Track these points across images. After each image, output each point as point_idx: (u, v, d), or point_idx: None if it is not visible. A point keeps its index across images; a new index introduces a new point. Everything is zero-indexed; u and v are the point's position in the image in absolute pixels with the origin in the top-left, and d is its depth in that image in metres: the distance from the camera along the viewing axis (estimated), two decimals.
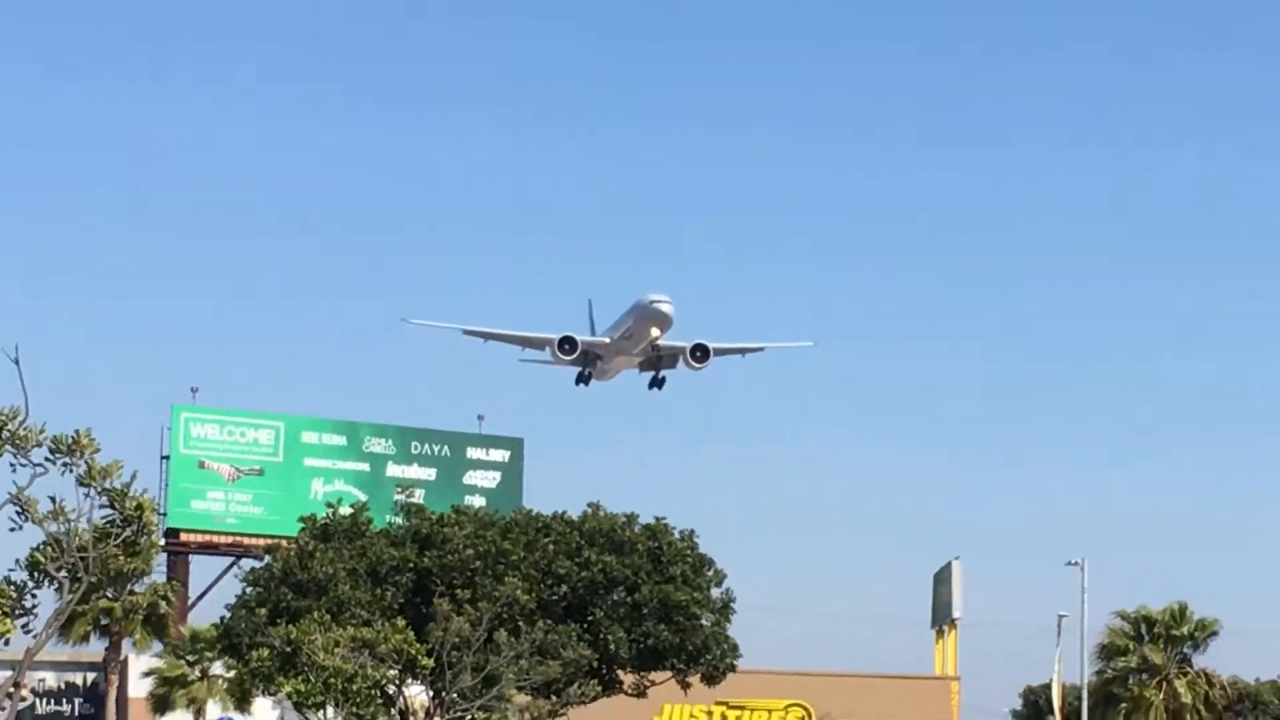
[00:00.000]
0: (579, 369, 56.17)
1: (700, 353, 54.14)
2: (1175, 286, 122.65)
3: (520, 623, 30.25)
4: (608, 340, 54.30)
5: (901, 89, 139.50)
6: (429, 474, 61.06)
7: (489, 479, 63.32)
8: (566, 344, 53.20)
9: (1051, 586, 64.81)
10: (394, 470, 60.36)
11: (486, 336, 55.82)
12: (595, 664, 32.93)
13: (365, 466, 61.43)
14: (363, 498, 41.28)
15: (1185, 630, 41.43)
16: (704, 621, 34.84)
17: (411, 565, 32.28)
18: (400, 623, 28.66)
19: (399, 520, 35.40)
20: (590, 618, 33.53)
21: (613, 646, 33.09)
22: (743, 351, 57.25)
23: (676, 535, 36.23)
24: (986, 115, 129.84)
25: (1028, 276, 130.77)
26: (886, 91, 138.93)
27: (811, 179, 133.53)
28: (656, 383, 57.14)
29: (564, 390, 59.18)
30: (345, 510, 34.44)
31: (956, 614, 60.56)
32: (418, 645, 27.97)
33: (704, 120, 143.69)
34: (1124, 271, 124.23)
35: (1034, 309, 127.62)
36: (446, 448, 63.82)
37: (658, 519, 36.26)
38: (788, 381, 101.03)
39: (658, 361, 56.12)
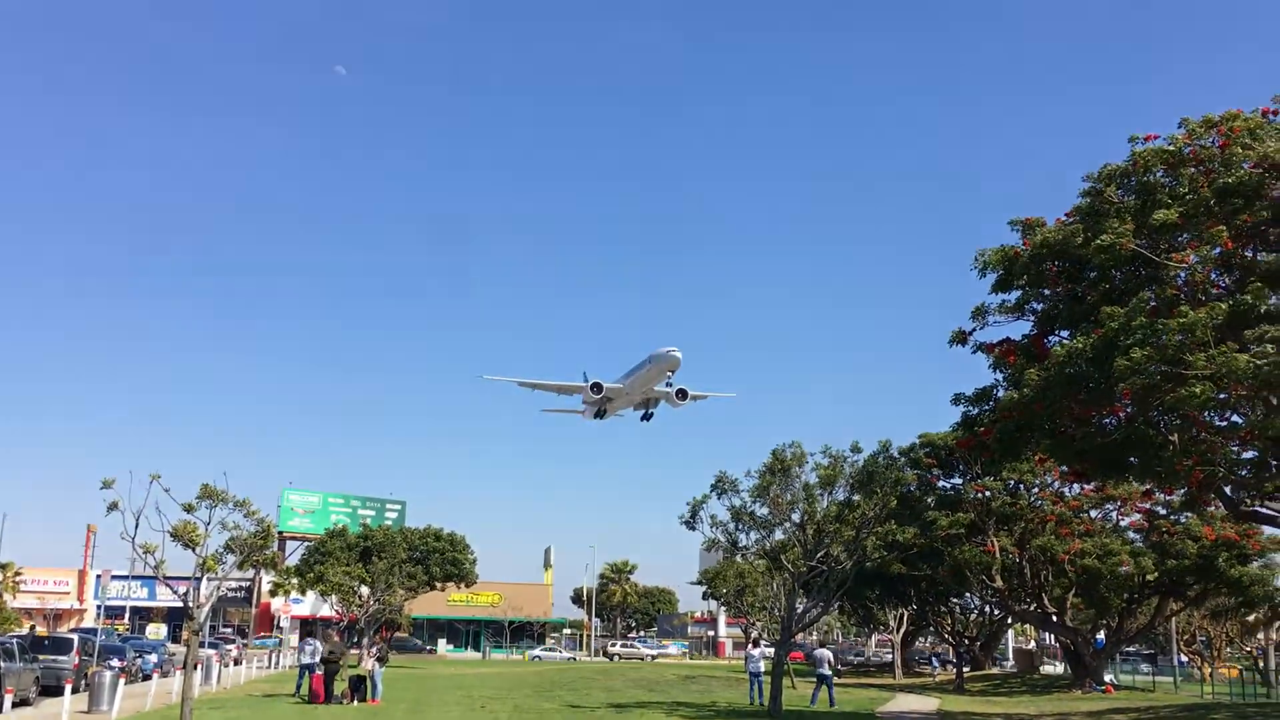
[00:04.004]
0: (597, 408, 77.81)
1: (681, 395, 73.99)
2: None
3: None
4: (621, 385, 74.76)
5: None
6: (371, 514, 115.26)
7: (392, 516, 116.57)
8: (595, 388, 74.95)
9: None
10: (362, 512, 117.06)
11: (535, 387, 78.05)
12: None
13: (348, 510, 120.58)
14: (347, 523, 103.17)
15: None
16: None
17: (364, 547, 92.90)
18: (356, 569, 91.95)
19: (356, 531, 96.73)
20: None
21: None
22: (703, 397, 77.03)
23: (446, 534, 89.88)
24: None
25: None
26: None
27: None
28: (647, 416, 78.20)
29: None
30: (339, 528, 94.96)
31: None
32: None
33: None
34: None
35: None
36: (375, 505, 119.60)
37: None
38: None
39: (647, 403, 76.83)
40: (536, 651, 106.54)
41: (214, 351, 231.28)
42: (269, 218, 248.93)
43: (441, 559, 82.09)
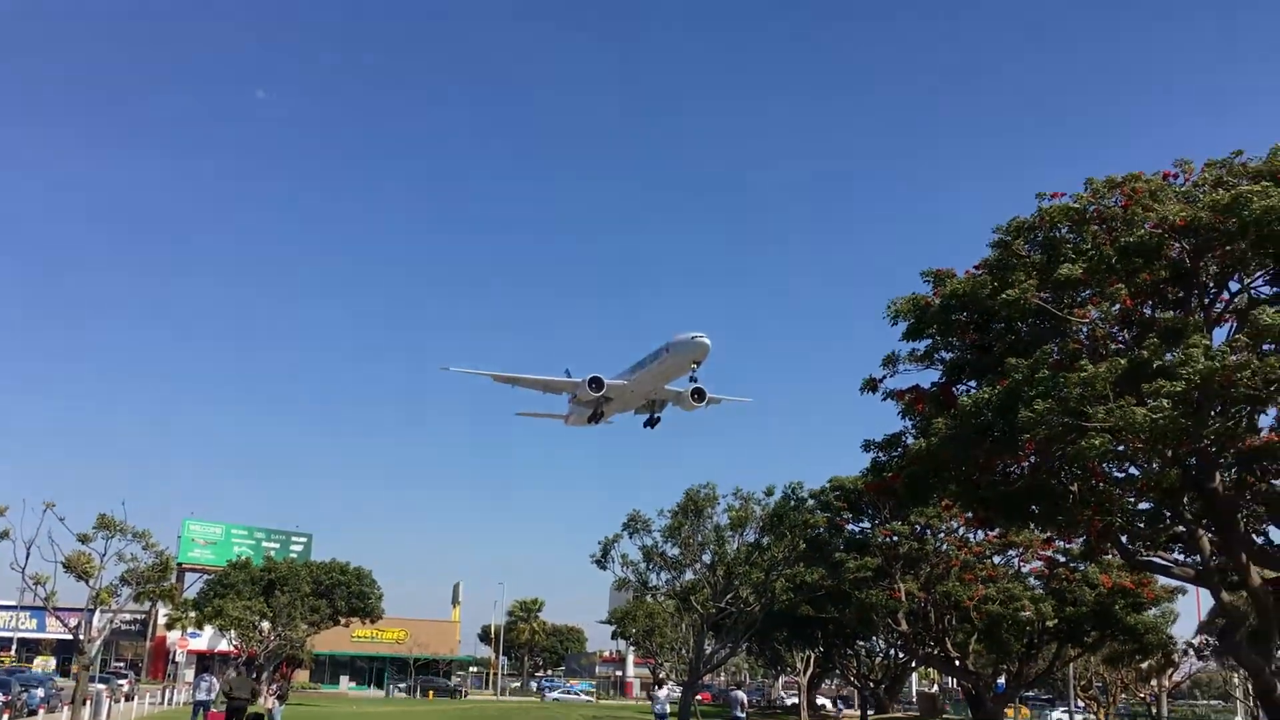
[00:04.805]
0: (593, 410, 63.30)
1: (698, 395, 60.36)
2: None
3: None
4: (625, 382, 60.92)
5: None
6: (275, 547, 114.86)
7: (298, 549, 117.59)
8: (594, 384, 60.43)
9: None
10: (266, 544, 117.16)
11: (515, 382, 63.65)
12: None
13: (252, 542, 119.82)
14: (250, 555, 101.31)
15: None
16: None
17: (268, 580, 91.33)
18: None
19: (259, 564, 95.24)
20: None
21: None
22: (719, 401, 63.96)
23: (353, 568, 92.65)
24: None
25: None
26: None
27: None
28: (652, 422, 64.23)
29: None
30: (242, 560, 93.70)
31: None
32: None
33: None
34: None
35: None
36: (280, 537, 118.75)
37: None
38: None
39: (653, 405, 63.16)
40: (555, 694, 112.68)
41: (117, 376, 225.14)
42: (171, 248, 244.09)
43: (347, 593, 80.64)
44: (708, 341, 54.72)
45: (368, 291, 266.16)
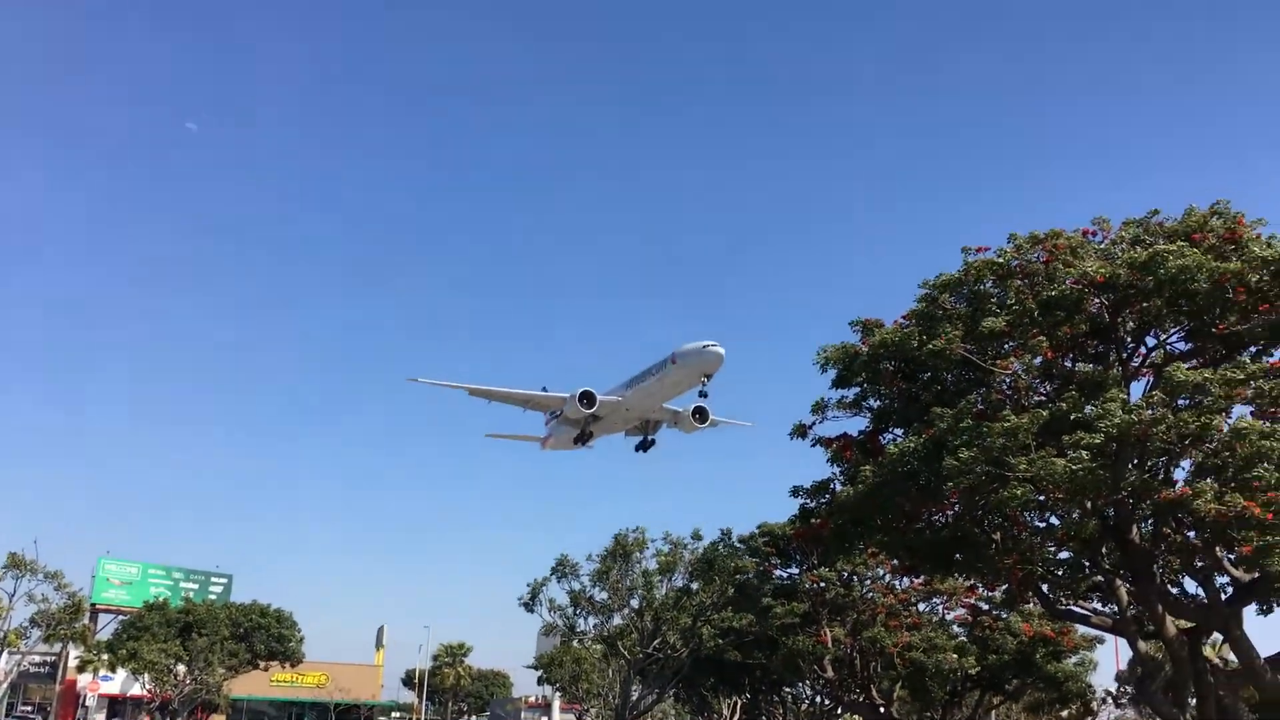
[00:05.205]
0: (580, 430, 56.81)
1: (700, 415, 54.96)
2: None
3: None
4: (619, 399, 54.43)
5: None
6: (194, 587, 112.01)
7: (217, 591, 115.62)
8: (585, 399, 53.82)
9: None
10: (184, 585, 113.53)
11: (491, 397, 57.02)
12: None
13: (169, 583, 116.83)
14: (168, 595, 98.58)
15: None
16: None
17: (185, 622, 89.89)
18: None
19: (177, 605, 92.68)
20: None
21: None
22: (719, 423, 57.99)
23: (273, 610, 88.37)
24: None
25: None
26: None
27: None
28: (644, 446, 57.84)
29: None
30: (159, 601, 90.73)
31: None
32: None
33: None
34: None
35: None
36: (199, 578, 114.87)
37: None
38: None
39: (647, 425, 56.87)
40: None
41: (34, 407, 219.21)
42: (83, 270, 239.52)
43: (267, 636, 78.94)
44: (721, 351, 48.57)
45: (290, 317, 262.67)
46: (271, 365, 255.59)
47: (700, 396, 50.82)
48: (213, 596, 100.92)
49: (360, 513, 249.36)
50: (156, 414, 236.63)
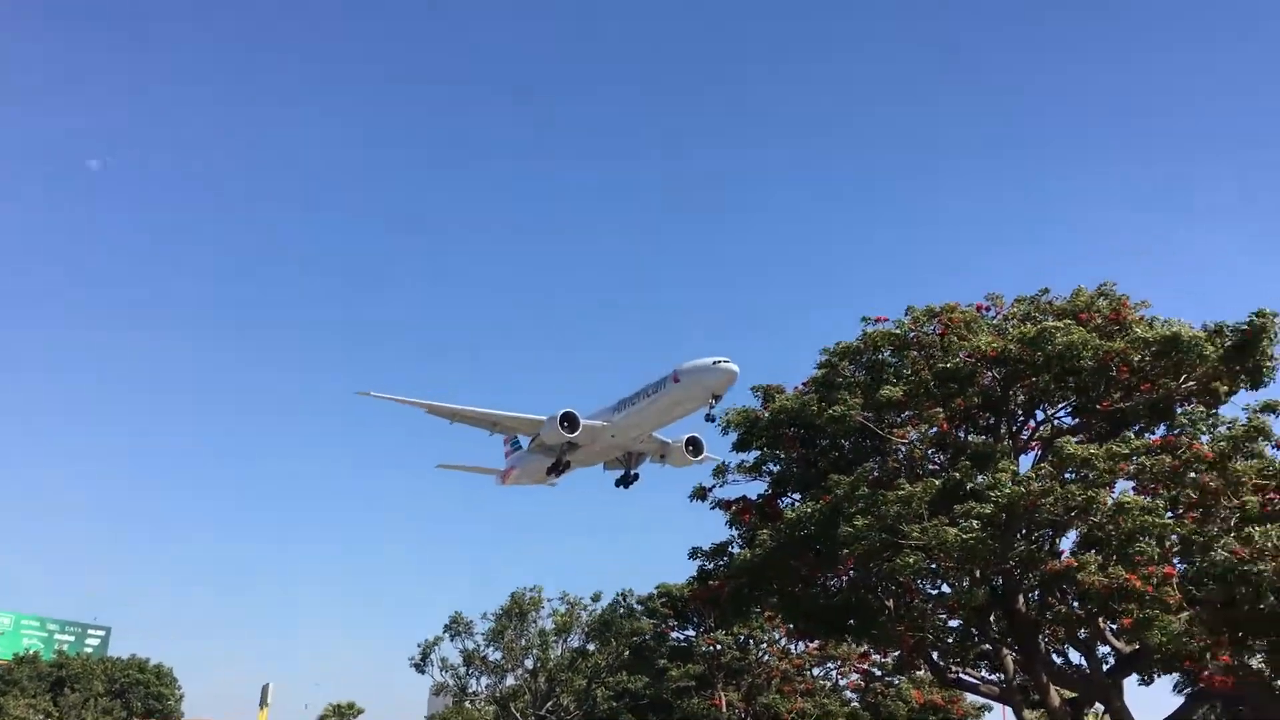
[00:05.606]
0: (556, 459, 50.47)
1: (694, 448, 50.20)
2: None
3: None
4: (604, 423, 48.52)
5: None
6: (70, 639, 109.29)
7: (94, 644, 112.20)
8: (566, 422, 47.67)
9: None
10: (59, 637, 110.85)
11: (454, 417, 50.27)
12: None
13: (43, 634, 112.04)
14: (40, 648, 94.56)
15: None
16: None
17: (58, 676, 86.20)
18: None
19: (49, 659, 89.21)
20: None
21: None
22: (708, 460, 50.54)
23: (152, 666, 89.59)
24: None
25: None
26: None
27: None
28: (625, 480, 51.94)
29: None
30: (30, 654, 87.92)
31: None
32: None
33: None
34: None
35: None
36: (75, 630, 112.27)
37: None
38: None
39: (630, 458, 51.43)
40: None
41: None
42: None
43: (144, 693, 76.00)
44: (735, 368, 42.64)
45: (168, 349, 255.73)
46: (153, 406, 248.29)
47: (707, 420, 42.57)
48: (89, 649, 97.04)
49: (247, 564, 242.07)
50: (30, 451, 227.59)
